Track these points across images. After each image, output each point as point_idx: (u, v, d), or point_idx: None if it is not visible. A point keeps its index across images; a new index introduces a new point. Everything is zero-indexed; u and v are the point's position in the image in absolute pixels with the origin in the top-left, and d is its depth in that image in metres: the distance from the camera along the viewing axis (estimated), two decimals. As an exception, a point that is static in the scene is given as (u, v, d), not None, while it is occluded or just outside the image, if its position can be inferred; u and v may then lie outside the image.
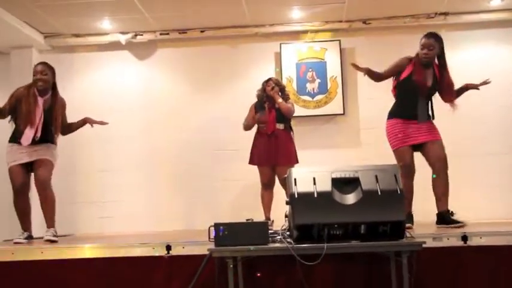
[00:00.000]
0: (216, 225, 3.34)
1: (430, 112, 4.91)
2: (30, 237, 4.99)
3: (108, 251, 4.08)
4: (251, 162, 5.88)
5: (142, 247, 4.04)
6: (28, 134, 4.96)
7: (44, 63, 5.18)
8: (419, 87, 4.79)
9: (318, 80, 7.27)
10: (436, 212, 4.76)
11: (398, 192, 3.33)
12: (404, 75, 4.88)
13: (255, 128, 5.95)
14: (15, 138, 5.03)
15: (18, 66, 7.32)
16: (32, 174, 5.06)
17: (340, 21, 7.18)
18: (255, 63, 7.36)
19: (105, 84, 7.51)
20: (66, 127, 5.34)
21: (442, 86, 4.88)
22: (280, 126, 5.79)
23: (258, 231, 3.36)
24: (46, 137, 5.07)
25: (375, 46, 7.06)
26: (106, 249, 4.11)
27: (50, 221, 4.97)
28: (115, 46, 7.39)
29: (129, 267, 3.93)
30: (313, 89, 7.26)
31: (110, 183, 7.16)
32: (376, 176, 3.37)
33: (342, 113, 7.18)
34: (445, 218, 4.66)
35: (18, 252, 4.11)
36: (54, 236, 4.81)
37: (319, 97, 7.24)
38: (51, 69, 5.18)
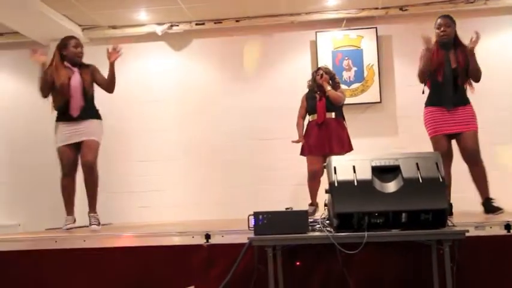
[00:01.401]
0: (256, 214, 3.33)
1: (463, 97, 4.77)
2: (74, 221, 5.07)
3: (148, 240, 4.09)
4: (302, 153, 5.84)
5: (182, 236, 4.05)
6: (74, 107, 4.99)
7: (77, 38, 5.28)
8: (441, 70, 4.70)
9: (354, 68, 7.19)
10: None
11: (440, 180, 3.27)
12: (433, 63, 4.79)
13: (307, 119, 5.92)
14: (59, 115, 5.05)
15: (57, 58, 7.43)
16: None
17: (377, 8, 7.09)
18: (291, 52, 7.32)
19: (142, 75, 7.56)
20: (108, 84, 5.29)
21: (468, 67, 4.74)
22: (331, 114, 5.74)
23: (298, 219, 3.34)
24: (89, 111, 5.10)
25: (412, 33, 6.85)
26: (145, 238, 4.12)
27: (94, 205, 5.05)
28: (151, 37, 7.44)
29: (168, 255, 3.93)
30: (350, 77, 7.19)
31: (149, 173, 7.24)
32: (417, 164, 3.32)
33: (379, 101, 7.09)
34: (485, 206, 4.61)
35: (61, 241, 4.16)
36: (99, 224, 4.89)
37: (355, 85, 7.16)
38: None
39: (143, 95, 7.39)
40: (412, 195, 3.24)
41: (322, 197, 5.67)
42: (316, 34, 7.22)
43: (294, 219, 3.34)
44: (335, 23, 7.24)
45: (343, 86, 7.06)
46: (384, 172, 3.33)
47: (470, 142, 4.67)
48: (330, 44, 7.22)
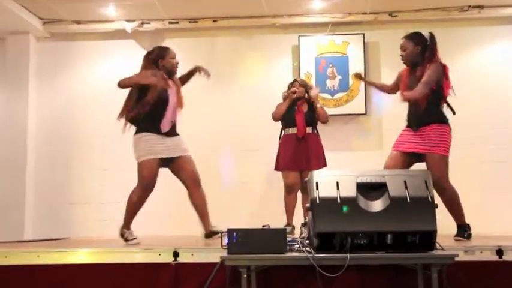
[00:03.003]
0: (230, 231, 3.32)
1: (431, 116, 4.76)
2: None
3: (108, 257, 4.05)
4: (277, 168, 5.95)
5: (147, 253, 4.02)
6: (167, 120, 5.03)
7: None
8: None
9: (338, 77, 7.25)
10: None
11: (430, 199, 3.30)
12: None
13: (279, 128, 6.00)
14: (149, 127, 4.99)
15: (13, 54, 7.40)
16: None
17: (365, 13, 7.17)
18: (271, 56, 7.36)
19: (107, 76, 7.45)
20: None
21: None
22: (309, 129, 5.89)
23: (275, 238, 3.34)
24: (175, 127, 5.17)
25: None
26: (105, 254, 4.09)
27: (209, 221, 5.06)
28: (120, 35, 7.42)
29: (131, 274, 3.89)
30: (333, 86, 7.24)
31: (112, 183, 7.14)
32: (405, 182, 3.36)
33: (364, 112, 7.15)
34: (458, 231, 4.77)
35: (12, 256, 4.09)
36: None
37: (339, 95, 7.22)
38: None
39: (108, 98, 7.29)
40: (399, 215, 3.26)
41: (299, 217, 5.77)
42: (299, 38, 7.27)
43: (271, 238, 3.33)
44: (320, 27, 7.30)
45: (326, 95, 7.16)
46: (369, 189, 3.35)
47: (431, 166, 4.63)
48: (314, 50, 7.27)
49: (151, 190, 5.09)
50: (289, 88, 6.09)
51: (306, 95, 6.03)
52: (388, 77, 7.10)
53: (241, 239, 3.30)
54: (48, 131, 7.41)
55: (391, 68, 7.03)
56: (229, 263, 3.39)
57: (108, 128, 7.28)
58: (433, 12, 6.98)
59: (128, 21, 7.29)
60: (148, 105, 4.92)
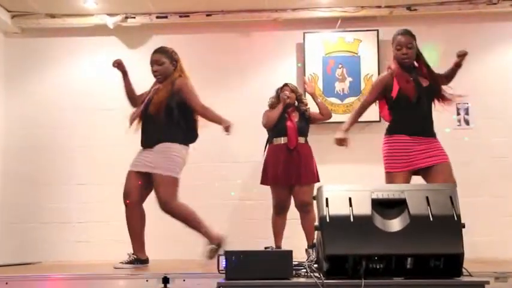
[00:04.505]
0: (228, 254, 3.32)
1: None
2: None
3: (87, 284, 4.06)
4: (264, 181, 6.04)
5: (132, 279, 4.04)
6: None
7: (159, 51, 5.39)
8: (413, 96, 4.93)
9: (349, 79, 7.30)
10: None
11: (455, 218, 3.31)
12: (395, 90, 5.00)
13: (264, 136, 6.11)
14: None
15: (-22, 51, 7.40)
16: None
17: (379, 7, 7.23)
18: (273, 56, 7.40)
19: (86, 78, 7.53)
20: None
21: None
22: (301, 139, 6.01)
23: (279, 262, 3.33)
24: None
25: (420, 38, 6.96)
26: (83, 282, 4.09)
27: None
28: (100, 30, 7.45)
29: (114, 304, 3.92)
30: (343, 89, 7.29)
31: (90, 200, 7.19)
32: (428, 198, 3.37)
33: (378, 120, 7.15)
34: None
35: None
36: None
37: (350, 100, 7.26)
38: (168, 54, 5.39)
39: (86, 101, 7.35)
40: (421, 236, 3.27)
41: (289, 240, 5.82)
42: (304, 35, 7.32)
43: (275, 262, 3.33)
44: (328, 22, 7.36)
45: (334, 100, 7.19)
46: (386, 207, 3.37)
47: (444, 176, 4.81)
48: (321, 48, 7.33)
49: None
50: (277, 93, 6.24)
51: (297, 102, 6.18)
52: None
53: (241, 263, 3.30)
54: (17, 140, 7.41)
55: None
56: (226, 290, 3.40)
57: (86, 136, 7.34)
58: (458, 6, 7.05)
59: (109, 15, 7.33)
60: None
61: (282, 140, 6.00)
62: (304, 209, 5.94)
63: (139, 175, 5.13)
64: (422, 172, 4.91)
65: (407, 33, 5.04)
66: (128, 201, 5.13)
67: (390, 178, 4.92)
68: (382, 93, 5.08)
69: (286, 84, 6.27)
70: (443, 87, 5.05)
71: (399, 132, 4.95)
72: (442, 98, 5.07)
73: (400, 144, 4.92)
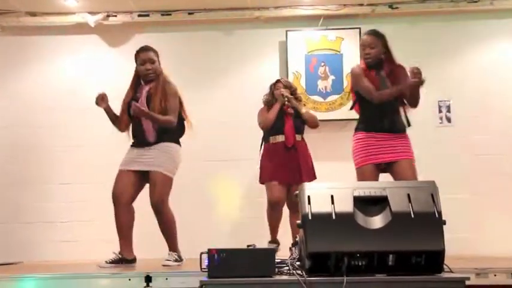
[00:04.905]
0: (210, 252, 3.33)
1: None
2: None
3: (70, 284, 4.08)
4: (263, 180, 5.95)
5: (114, 278, 4.04)
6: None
7: (150, 49, 5.39)
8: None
9: (331, 77, 7.31)
10: None
11: (437, 215, 3.34)
12: None
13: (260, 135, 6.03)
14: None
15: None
16: None
17: (361, 5, 7.25)
18: (255, 54, 7.39)
19: (67, 76, 7.50)
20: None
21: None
22: (298, 137, 5.94)
23: (262, 260, 3.35)
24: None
25: (402, 36, 7.10)
26: (67, 281, 4.11)
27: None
28: (81, 29, 7.42)
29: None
30: (326, 87, 7.30)
31: (73, 199, 7.17)
32: (409, 195, 3.40)
33: (361, 118, 7.20)
34: None
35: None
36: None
37: (332, 98, 7.28)
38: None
39: (68, 101, 7.31)
40: (402, 233, 3.30)
41: (285, 234, 5.80)
42: (286, 33, 7.33)
43: (258, 260, 3.35)
44: (310, 20, 7.37)
45: (317, 98, 7.21)
46: (368, 204, 3.39)
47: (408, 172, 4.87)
48: (304, 46, 7.34)
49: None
50: (271, 89, 6.12)
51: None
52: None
53: (224, 261, 3.31)
54: (-1, 139, 7.38)
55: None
56: (209, 289, 3.40)
57: (69, 135, 7.31)
58: (439, 4, 7.08)
59: (90, 13, 7.29)
60: None
61: (279, 138, 5.91)
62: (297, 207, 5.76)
63: (132, 174, 5.11)
64: (388, 168, 4.98)
65: (373, 33, 5.09)
66: (119, 201, 5.10)
67: (358, 174, 5.03)
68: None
69: (279, 81, 6.18)
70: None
71: (362, 129, 5.05)
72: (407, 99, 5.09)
73: (363, 140, 5.00)
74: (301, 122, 5.99)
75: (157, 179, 5.03)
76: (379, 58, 5.04)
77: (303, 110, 6.01)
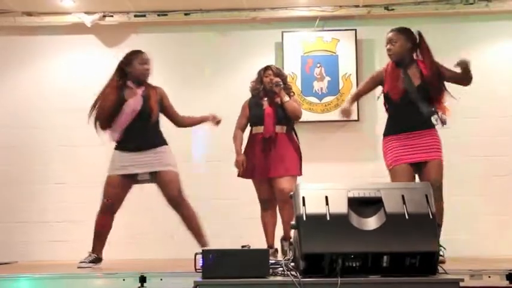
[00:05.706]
0: (205, 253, 3.34)
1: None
2: None
3: (63, 284, 4.07)
4: (242, 174, 5.70)
5: (109, 278, 4.02)
6: None
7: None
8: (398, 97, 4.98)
9: (327, 78, 7.31)
10: None
11: (431, 216, 3.34)
12: (385, 88, 5.10)
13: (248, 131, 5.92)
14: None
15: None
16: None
17: (357, 6, 7.25)
18: (251, 55, 7.38)
19: (63, 77, 7.49)
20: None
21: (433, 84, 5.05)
22: (282, 128, 5.60)
23: (256, 260, 3.36)
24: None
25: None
26: (60, 281, 4.09)
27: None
28: (78, 29, 7.42)
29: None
30: (322, 88, 7.30)
31: (67, 199, 7.17)
32: (403, 196, 3.40)
33: (356, 119, 7.18)
34: None
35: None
36: None
37: (328, 99, 7.28)
38: None
39: (64, 101, 7.30)
40: (397, 234, 3.30)
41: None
42: (282, 34, 7.33)
43: (252, 260, 3.35)
44: (306, 22, 7.38)
45: (313, 99, 7.20)
46: (362, 205, 3.39)
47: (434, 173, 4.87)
48: (299, 48, 7.34)
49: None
50: (259, 76, 5.79)
51: (282, 84, 5.69)
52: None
53: (218, 262, 3.31)
54: (-6, 140, 7.36)
55: (387, 69, 7.15)
56: (203, 289, 3.40)
57: (64, 135, 7.31)
58: (435, 5, 7.10)
59: (87, 13, 7.28)
60: None
61: (260, 129, 5.62)
62: (282, 198, 5.40)
63: (126, 181, 5.20)
64: (417, 168, 4.95)
65: (396, 30, 5.08)
66: (111, 210, 5.25)
67: (390, 175, 4.99)
68: (376, 86, 5.23)
69: (268, 67, 5.79)
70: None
71: (388, 133, 5.05)
72: (437, 99, 5.09)
73: (391, 143, 4.98)
74: (285, 113, 5.62)
75: (171, 176, 5.22)
76: (402, 54, 5.01)
77: (285, 99, 5.60)
